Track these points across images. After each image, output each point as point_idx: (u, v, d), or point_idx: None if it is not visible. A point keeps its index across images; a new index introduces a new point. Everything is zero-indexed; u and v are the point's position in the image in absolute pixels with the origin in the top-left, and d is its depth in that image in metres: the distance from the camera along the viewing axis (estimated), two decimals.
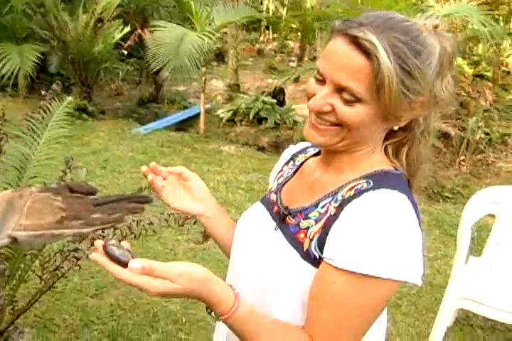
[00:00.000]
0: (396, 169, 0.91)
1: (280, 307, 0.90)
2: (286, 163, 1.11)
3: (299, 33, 9.50)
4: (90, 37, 6.78)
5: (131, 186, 4.65)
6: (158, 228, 1.95)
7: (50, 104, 2.17)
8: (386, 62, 0.78)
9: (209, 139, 6.58)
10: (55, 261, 1.98)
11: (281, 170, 1.11)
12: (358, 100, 0.82)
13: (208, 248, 3.57)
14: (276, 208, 1.00)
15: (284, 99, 7.57)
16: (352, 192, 0.86)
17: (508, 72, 9.81)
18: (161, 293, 0.77)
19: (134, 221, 1.95)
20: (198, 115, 7.22)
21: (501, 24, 8.09)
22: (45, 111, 2.18)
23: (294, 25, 6.99)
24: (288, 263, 0.89)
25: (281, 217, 0.95)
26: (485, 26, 4.85)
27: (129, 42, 6.55)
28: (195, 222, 1.95)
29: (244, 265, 0.99)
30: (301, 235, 0.89)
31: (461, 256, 2.58)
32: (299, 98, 8.57)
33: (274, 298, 0.90)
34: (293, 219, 0.93)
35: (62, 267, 1.94)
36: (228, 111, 7.16)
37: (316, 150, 1.06)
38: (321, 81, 0.85)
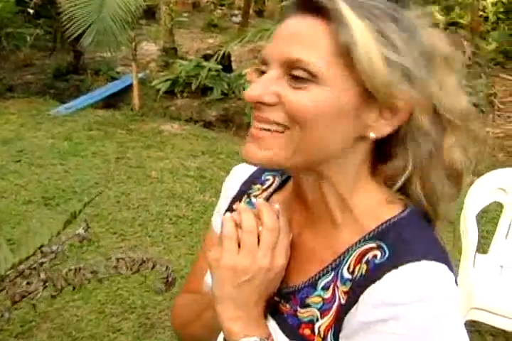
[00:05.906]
0: (406, 204, 0.78)
1: None
2: (237, 199, 0.96)
3: None
4: None
5: (56, 184, 4.25)
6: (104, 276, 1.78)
7: None
8: (352, 16, 0.68)
9: (146, 117, 6.39)
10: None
11: (230, 208, 0.95)
12: (313, 77, 0.71)
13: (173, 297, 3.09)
14: None
15: (230, 63, 7.41)
16: (364, 269, 0.75)
17: (486, 18, 9.31)
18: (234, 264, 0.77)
19: (70, 270, 1.72)
20: (129, 87, 6.98)
21: None
22: None
23: None
24: None
25: (274, 305, 0.84)
26: None
27: None
28: (153, 267, 1.80)
29: None
30: (306, 331, 0.80)
31: (469, 256, 2.41)
32: (248, 61, 8.34)
33: None
34: (287, 305, 0.83)
35: None
36: (166, 80, 7.01)
37: (278, 179, 0.94)
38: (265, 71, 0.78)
